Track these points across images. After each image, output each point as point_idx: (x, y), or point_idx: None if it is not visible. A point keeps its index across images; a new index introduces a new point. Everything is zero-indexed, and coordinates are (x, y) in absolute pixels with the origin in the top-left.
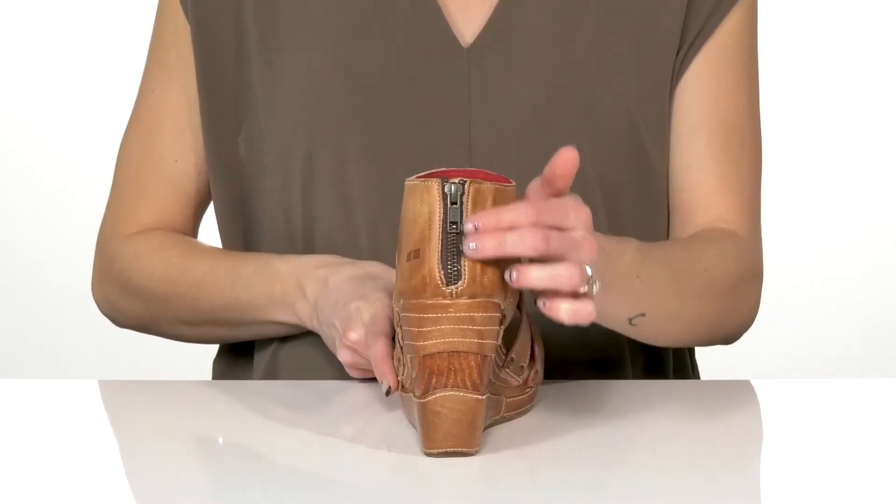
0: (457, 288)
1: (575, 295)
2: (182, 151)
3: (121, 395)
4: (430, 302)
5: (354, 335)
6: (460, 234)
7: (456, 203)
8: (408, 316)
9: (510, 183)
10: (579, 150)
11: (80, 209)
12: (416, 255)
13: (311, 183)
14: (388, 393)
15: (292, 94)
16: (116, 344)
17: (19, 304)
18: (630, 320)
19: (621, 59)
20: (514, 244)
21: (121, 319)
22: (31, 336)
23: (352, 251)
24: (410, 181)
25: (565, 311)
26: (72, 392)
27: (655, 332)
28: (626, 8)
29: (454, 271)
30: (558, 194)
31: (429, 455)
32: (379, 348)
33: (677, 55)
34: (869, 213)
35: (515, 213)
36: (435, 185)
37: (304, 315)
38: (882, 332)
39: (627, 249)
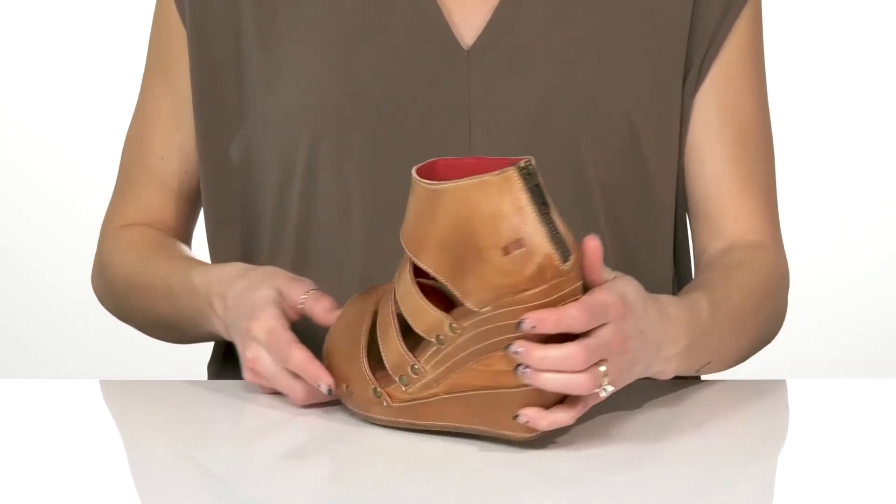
0: (570, 262)
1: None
2: (168, 150)
3: (122, 395)
4: (554, 282)
5: (250, 353)
6: (549, 212)
7: (538, 183)
8: (532, 305)
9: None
10: (579, 150)
11: (80, 210)
12: (518, 245)
13: (309, 185)
14: (329, 392)
15: (291, 96)
16: (118, 345)
17: (20, 306)
18: (697, 370)
19: (621, 59)
20: (565, 385)
21: (107, 309)
22: (34, 337)
23: (348, 253)
24: (471, 181)
25: (543, 423)
26: (74, 392)
27: (713, 370)
28: (625, 8)
29: (562, 249)
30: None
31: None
32: (299, 355)
33: (694, 60)
34: (872, 213)
35: (570, 320)
36: (514, 173)
37: (222, 331)
38: (883, 332)
39: (702, 309)
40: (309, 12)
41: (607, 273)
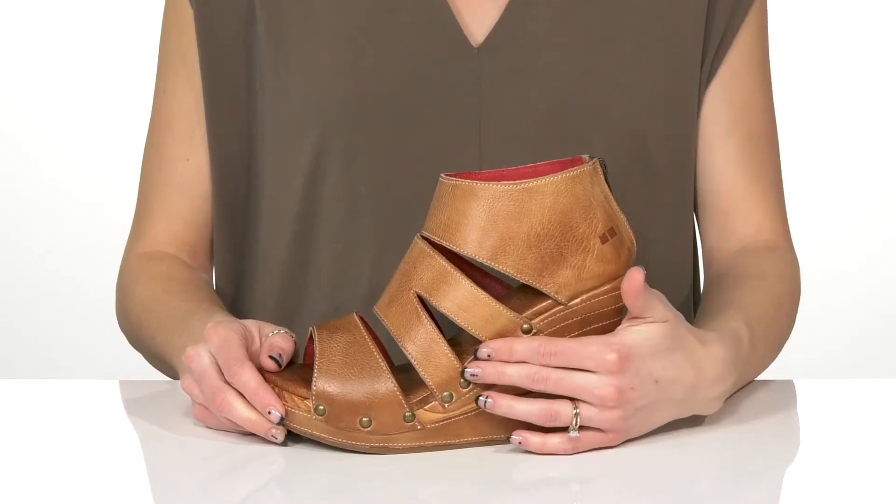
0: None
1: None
2: (192, 149)
3: (141, 396)
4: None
5: (191, 349)
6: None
7: (607, 179)
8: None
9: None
10: (591, 152)
11: (100, 212)
12: (612, 233)
13: (317, 182)
14: (281, 421)
15: (300, 92)
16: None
17: (38, 306)
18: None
19: (633, 59)
20: (512, 377)
21: (122, 332)
22: (52, 337)
23: (354, 249)
24: (568, 173)
25: (534, 445)
26: (93, 392)
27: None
28: (638, 9)
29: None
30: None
31: None
32: (251, 375)
33: (705, 58)
34: (871, 212)
35: (528, 348)
36: (599, 165)
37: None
38: (880, 331)
39: (743, 339)
40: (316, 8)
41: (648, 299)
